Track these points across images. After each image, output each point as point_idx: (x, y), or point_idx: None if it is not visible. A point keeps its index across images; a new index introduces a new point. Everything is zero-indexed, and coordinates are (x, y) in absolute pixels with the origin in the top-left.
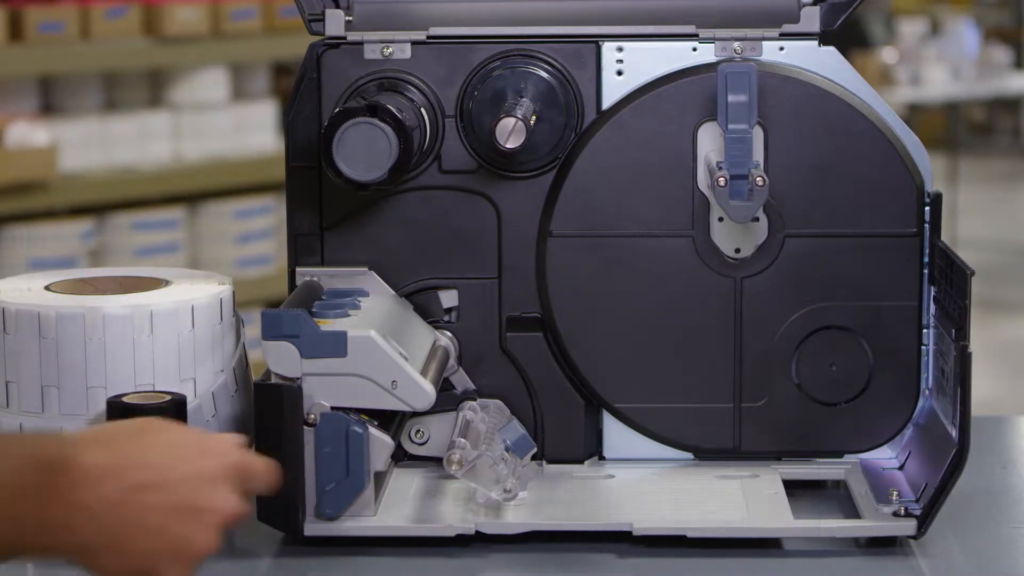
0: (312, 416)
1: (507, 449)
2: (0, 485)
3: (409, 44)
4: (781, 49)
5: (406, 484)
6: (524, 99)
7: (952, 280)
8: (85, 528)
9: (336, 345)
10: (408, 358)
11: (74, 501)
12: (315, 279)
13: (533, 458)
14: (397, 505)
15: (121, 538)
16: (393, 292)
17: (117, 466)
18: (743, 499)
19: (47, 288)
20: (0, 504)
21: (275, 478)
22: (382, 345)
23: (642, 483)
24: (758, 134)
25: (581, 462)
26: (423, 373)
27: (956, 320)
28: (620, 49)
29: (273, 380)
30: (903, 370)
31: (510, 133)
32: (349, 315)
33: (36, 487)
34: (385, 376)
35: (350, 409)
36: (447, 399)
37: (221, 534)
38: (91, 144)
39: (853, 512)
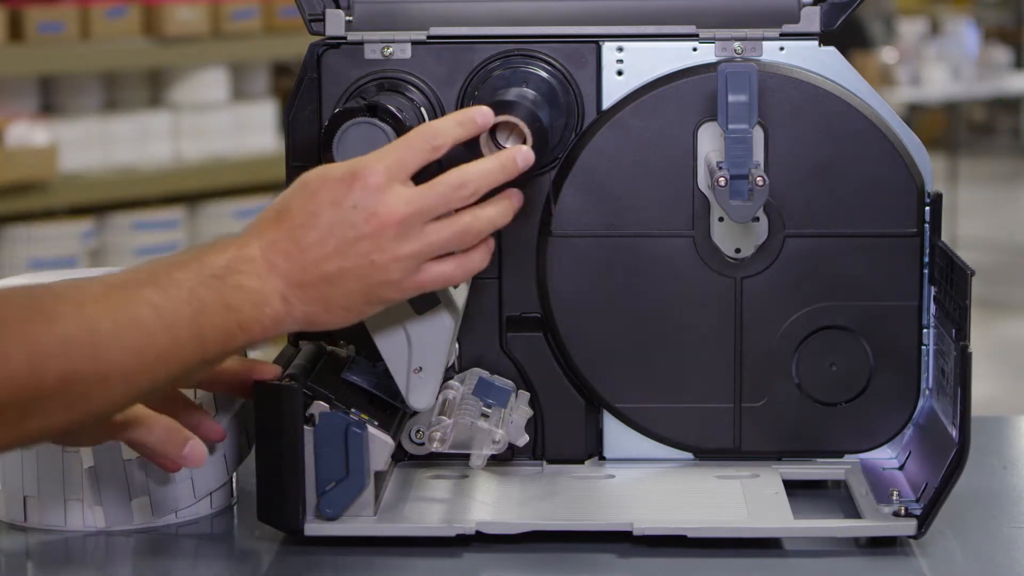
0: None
1: (488, 405)
2: (192, 308)
3: (409, 44)
4: (781, 49)
5: (406, 484)
6: None
7: (952, 280)
8: (283, 313)
9: (421, 299)
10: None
11: (260, 292)
12: None
13: (532, 457)
14: (397, 505)
15: (323, 305)
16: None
17: (285, 250)
18: (743, 499)
19: None
20: (194, 326)
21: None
22: (446, 339)
23: (642, 483)
24: (758, 134)
25: (581, 462)
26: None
27: (956, 320)
28: (620, 49)
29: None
30: (903, 370)
31: (510, 133)
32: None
33: (222, 301)
34: (422, 358)
35: (350, 409)
36: None
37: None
38: (91, 144)
39: (853, 512)
